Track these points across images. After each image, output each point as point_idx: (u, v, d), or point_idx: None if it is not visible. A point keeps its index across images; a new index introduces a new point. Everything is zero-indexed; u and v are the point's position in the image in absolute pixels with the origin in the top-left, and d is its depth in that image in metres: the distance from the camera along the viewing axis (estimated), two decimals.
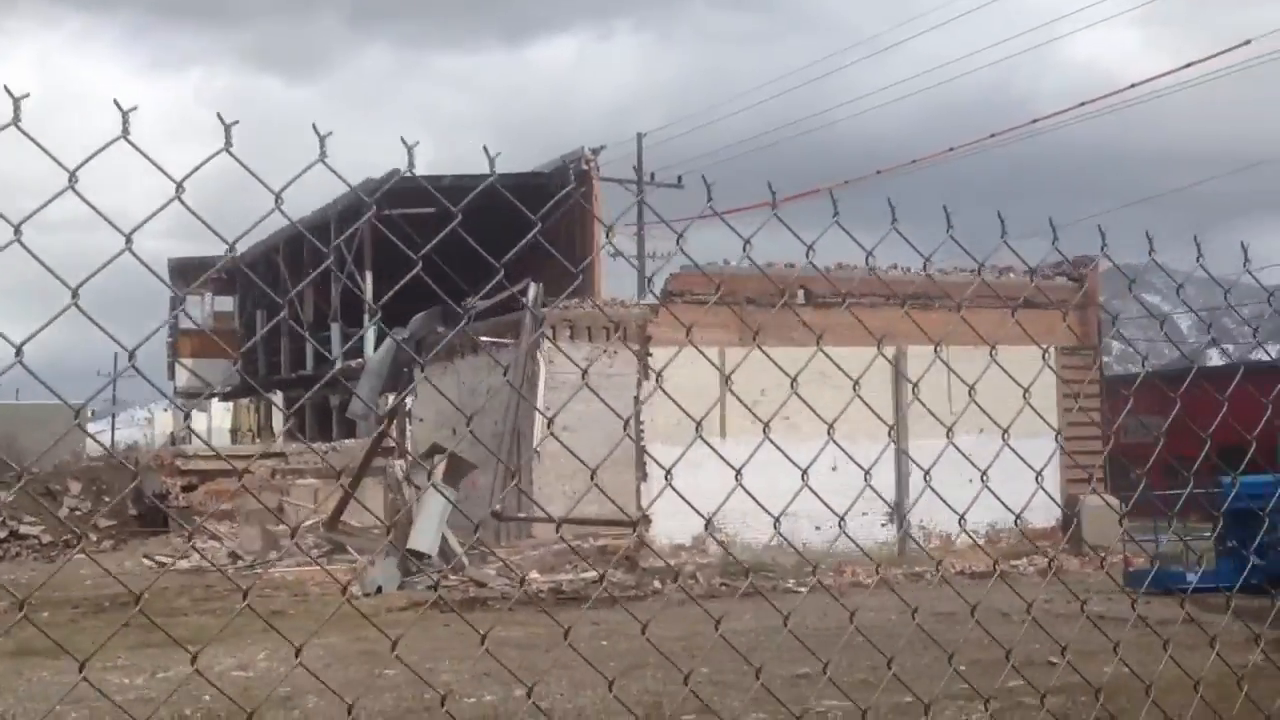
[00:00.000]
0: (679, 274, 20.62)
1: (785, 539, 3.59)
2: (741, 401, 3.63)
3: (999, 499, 3.79)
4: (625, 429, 18.43)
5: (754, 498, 3.34)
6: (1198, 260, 4.14)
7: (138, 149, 2.18)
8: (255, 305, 50.21)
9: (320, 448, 33.55)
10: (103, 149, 2.18)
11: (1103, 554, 16.43)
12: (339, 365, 37.45)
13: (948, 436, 3.68)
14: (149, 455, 35.07)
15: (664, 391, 3.23)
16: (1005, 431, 3.60)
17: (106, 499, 30.85)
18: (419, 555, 17.99)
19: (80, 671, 2.32)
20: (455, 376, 26.96)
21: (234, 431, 56.80)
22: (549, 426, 2.84)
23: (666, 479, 3.05)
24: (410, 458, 21.10)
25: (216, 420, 59.19)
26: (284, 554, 20.98)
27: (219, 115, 2.25)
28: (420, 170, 2.66)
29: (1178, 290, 4.36)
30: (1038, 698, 4.31)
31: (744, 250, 3.29)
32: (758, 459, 3.41)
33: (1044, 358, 4.47)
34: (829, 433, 3.32)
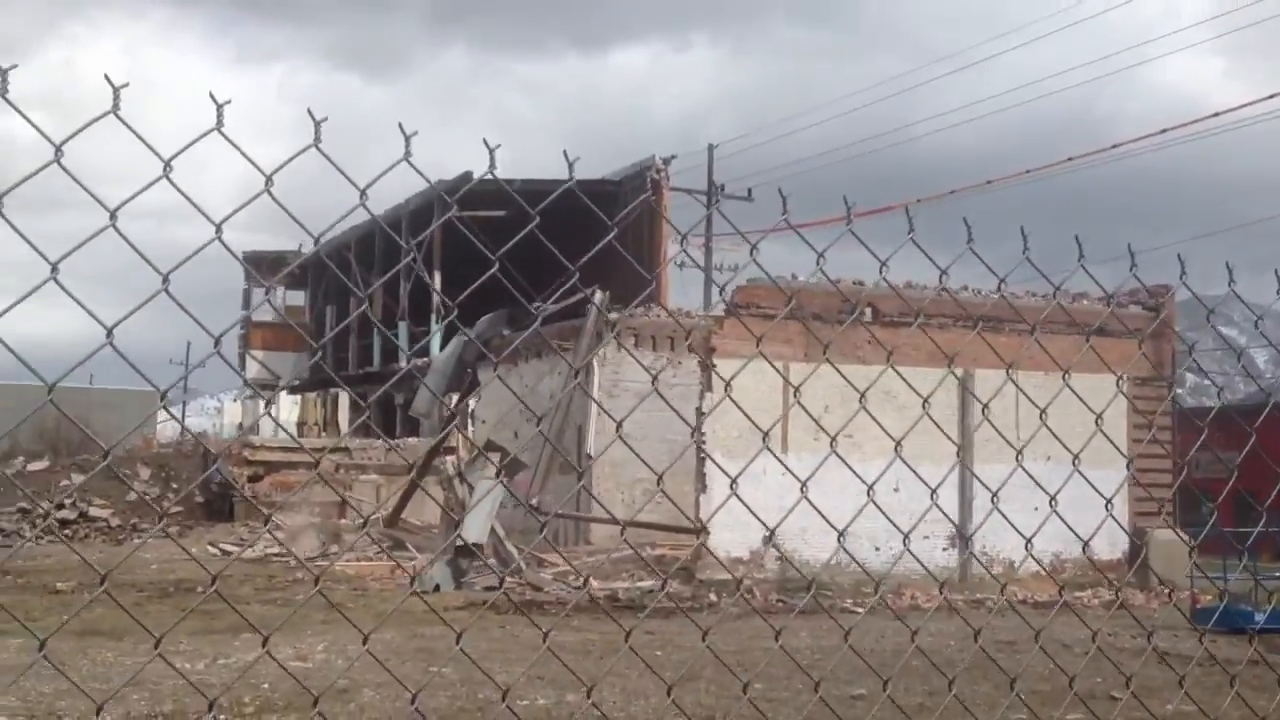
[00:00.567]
0: (746, 286, 20.55)
1: (850, 555, 3.57)
2: (810, 414, 3.61)
3: (1069, 526, 3.74)
4: (693, 437, 18.40)
5: (820, 512, 3.32)
6: (1278, 293, 4.06)
7: (231, 142, 2.22)
8: (325, 300, 50.79)
9: (385, 445, 33.83)
10: (197, 140, 2.22)
11: (1170, 589, 16.15)
12: (412, 362, 37.76)
13: (1017, 460, 3.63)
14: (218, 444, 35.56)
15: (732, 401, 3.22)
16: (1076, 458, 3.54)
17: (174, 485, 31.37)
18: (469, 550, 18.06)
19: (156, 648, 2.36)
20: (519, 379, 27.09)
21: (300, 425, 57.47)
22: (619, 430, 2.84)
23: (732, 488, 3.04)
24: (462, 456, 21.18)
25: (284, 413, 59.94)
26: (350, 546, 21.18)
27: (309, 111, 2.28)
28: (471, 185, 2.68)
29: (1256, 323, 4.28)
30: None
31: (817, 264, 3.28)
32: (818, 475, 3.39)
33: (1118, 384, 4.41)
34: (896, 450, 3.29)
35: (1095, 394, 3.89)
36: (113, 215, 2.13)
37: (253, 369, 52.85)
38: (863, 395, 3.39)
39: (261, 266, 53.31)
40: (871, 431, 3.42)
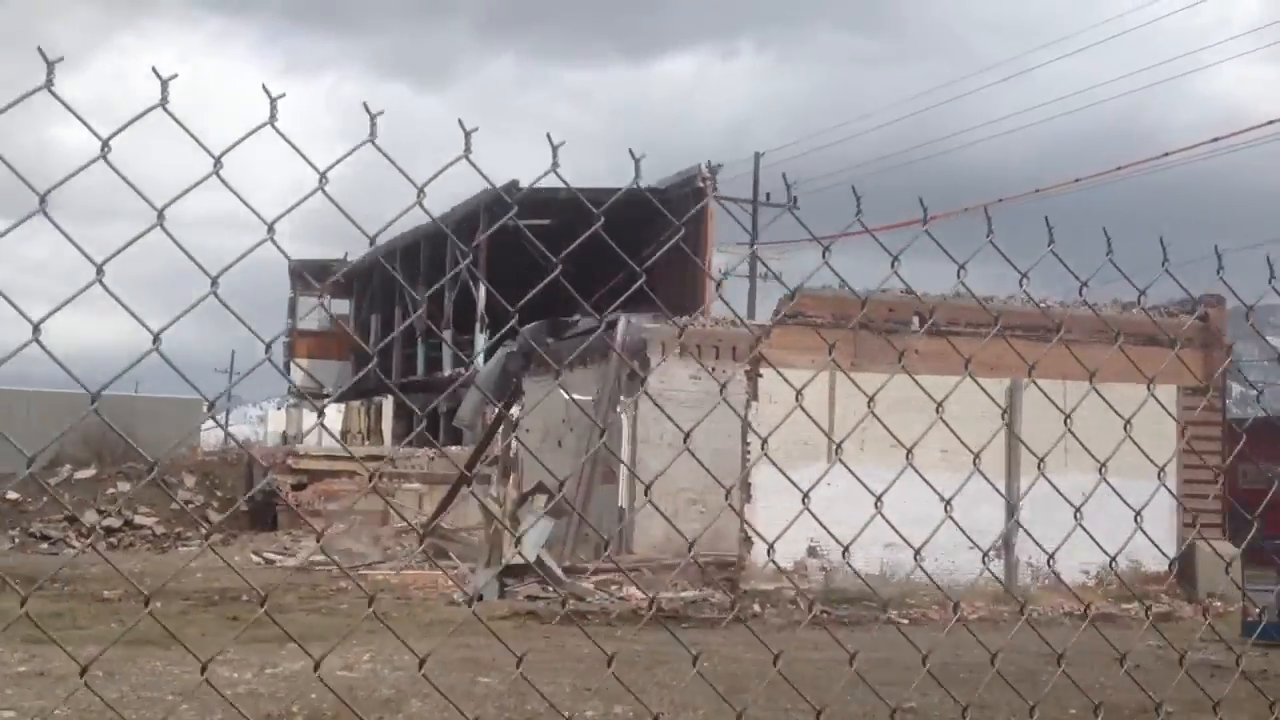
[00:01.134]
0: (793, 296, 20.48)
1: (924, 571, 3.52)
2: (884, 424, 3.57)
3: (1095, 541, 3.67)
4: (750, 443, 18.30)
5: (892, 526, 3.28)
6: None
7: (283, 136, 2.18)
8: (370, 309, 51.12)
9: (428, 454, 33.97)
10: (250, 134, 2.21)
11: (1217, 602, 15.91)
12: (461, 371, 37.87)
13: (1039, 469, 3.57)
14: (262, 452, 35.86)
15: (802, 410, 3.18)
16: (1103, 466, 3.48)
17: (218, 494, 31.63)
18: (515, 566, 18.12)
19: (202, 674, 2.35)
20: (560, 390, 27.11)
21: (344, 433, 57.84)
22: (685, 440, 2.81)
23: (804, 501, 3.01)
24: (510, 494, 21.23)
25: (328, 421, 60.38)
26: (392, 555, 21.27)
27: (364, 105, 2.27)
28: (537, 182, 2.66)
29: None
30: None
31: (893, 268, 3.24)
32: (861, 486, 3.35)
33: (1149, 388, 4.32)
34: (958, 458, 3.24)
35: (1142, 404, 3.81)
36: (160, 214, 2.11)
37: (297, 377, 53.25)
38: (871, 399, 3.35)
39: (306, 275, 53.78)
40: (922, 442, 3.37)
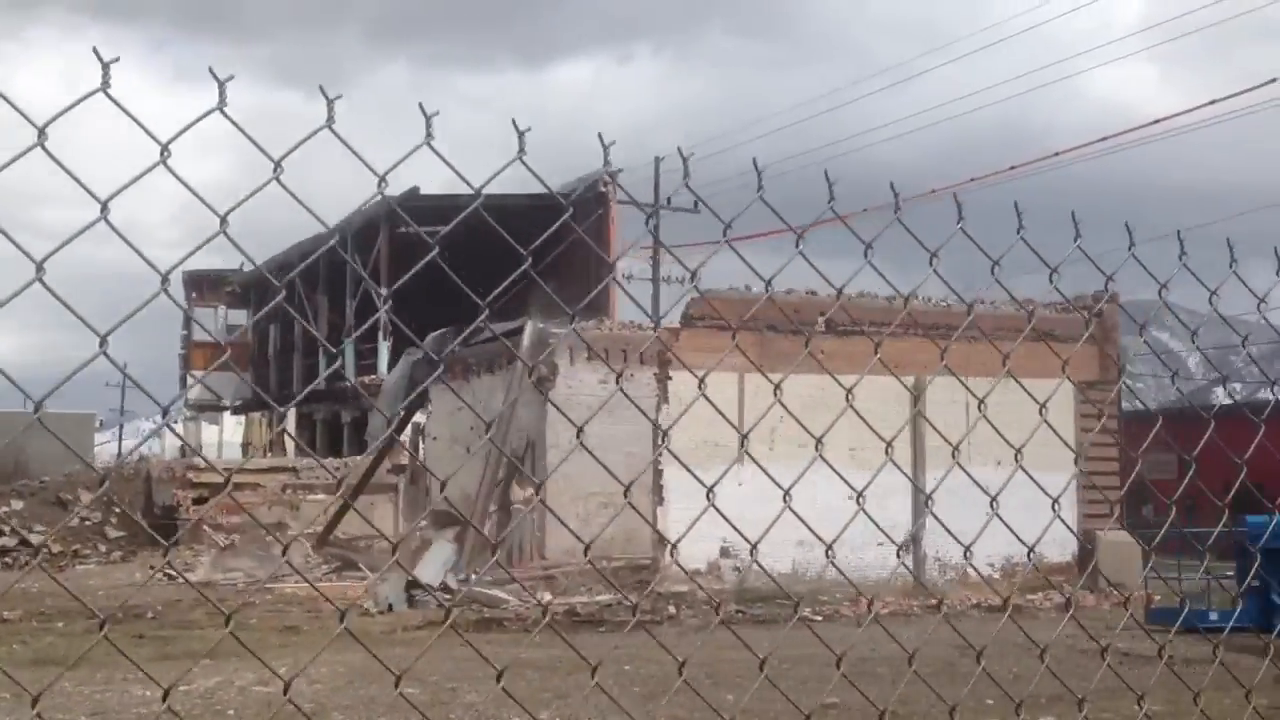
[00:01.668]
0: (699, 298, 20.62)
1: (834, 564, 3.58)
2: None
3: (1011, 529, 3.77)
4: (660, 441, 18.35)
5: (803, 521, 3.32)
6: (1210, 300, 4.11)
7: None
8: (269, 319, 50.32)
9: (331, 463, 33.54)
10: (199, 120, 2.17)
11: (1123, 591, 16.33)
12: (356, 380, 37.44)
13: (954, 458, 3.63)
14: (160, 466, 35.03)
15: (707, 399, 3.21)
16: (1018, 453, 3.56)
17: (116, 509, 30.88)
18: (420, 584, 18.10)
19: (164, 701, 2.28)
20: (471, 395, 26.98)
21: (245, 445, 56.87)
22: (579, 436, 2.83)
23: (709, 497, 3.04)
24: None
25: (228, 433, 59.31)
26: (279, 570, 20.95)
27: (320, 88, 2.25)
28: (437, 189, 2.67)
29: (1193, 335, 4.33)
30: None
31: (766, 289, 3.29)
32: (773, 485, 3.40)
33: (1063, 371, 4.44)
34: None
35: (1042, 398, 3.91)
36: (104, 206, 2.06)
37: (194, 389, 52.26)
38: (777, 386, 3.40)
39: (202, 285, 52.83)
40: (827, 440, 3.42)
